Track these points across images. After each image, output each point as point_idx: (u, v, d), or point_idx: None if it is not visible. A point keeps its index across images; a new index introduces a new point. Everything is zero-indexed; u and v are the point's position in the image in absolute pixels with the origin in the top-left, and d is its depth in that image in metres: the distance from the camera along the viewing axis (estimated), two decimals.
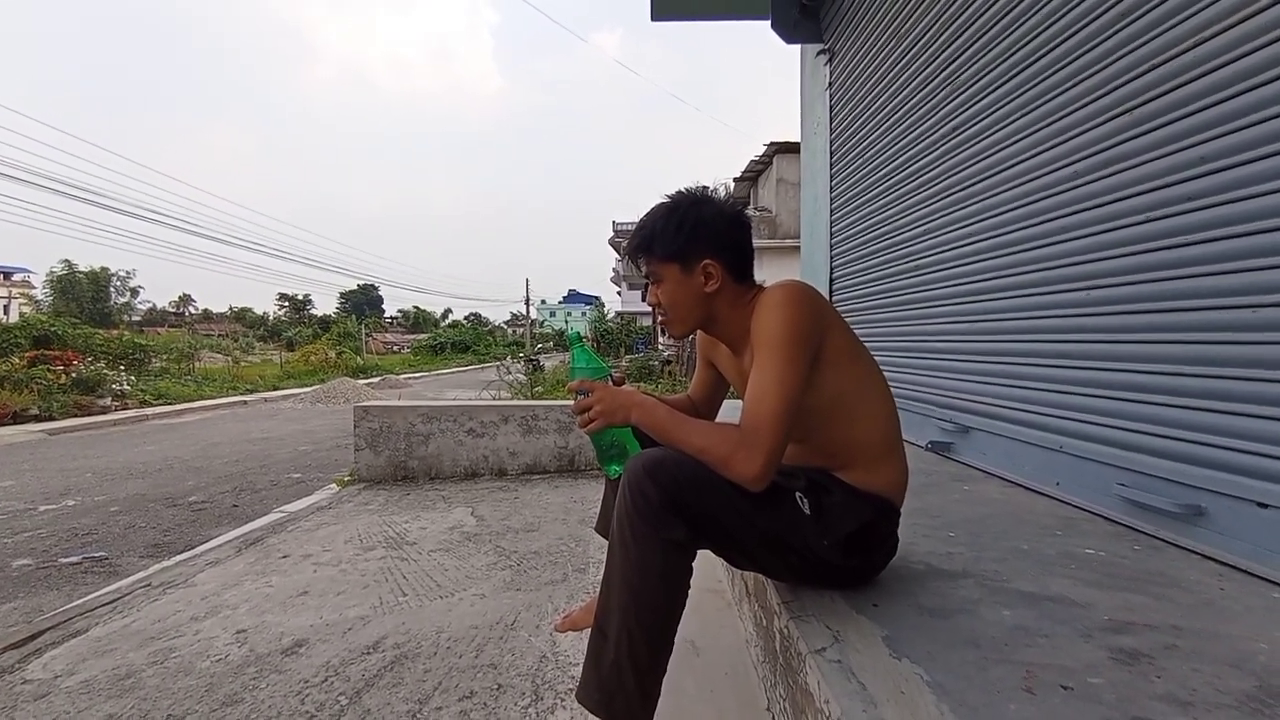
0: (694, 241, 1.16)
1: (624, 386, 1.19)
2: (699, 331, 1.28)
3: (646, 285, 1.26)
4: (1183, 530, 1.49)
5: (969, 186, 2.44)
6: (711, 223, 1.17)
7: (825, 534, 1.09)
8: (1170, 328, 1.55)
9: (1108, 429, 1.75)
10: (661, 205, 1.21)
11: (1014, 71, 2.12)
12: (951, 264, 2.61)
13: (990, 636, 1.02)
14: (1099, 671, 0.91)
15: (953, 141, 2.56)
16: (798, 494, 1.10)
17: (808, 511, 1.09)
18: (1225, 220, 1.39)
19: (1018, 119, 2.11)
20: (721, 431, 1.05)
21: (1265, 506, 1.31)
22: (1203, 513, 1.45)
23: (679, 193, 1.22)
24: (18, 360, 9.68)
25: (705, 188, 1.23)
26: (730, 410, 1.18)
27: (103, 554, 2.88)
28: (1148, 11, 1.58)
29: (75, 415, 8.28)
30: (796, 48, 4.68)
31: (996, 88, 2.23)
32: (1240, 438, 1.37)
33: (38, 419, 7.86)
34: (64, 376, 9.26)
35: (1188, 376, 1.50)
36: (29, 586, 2.48)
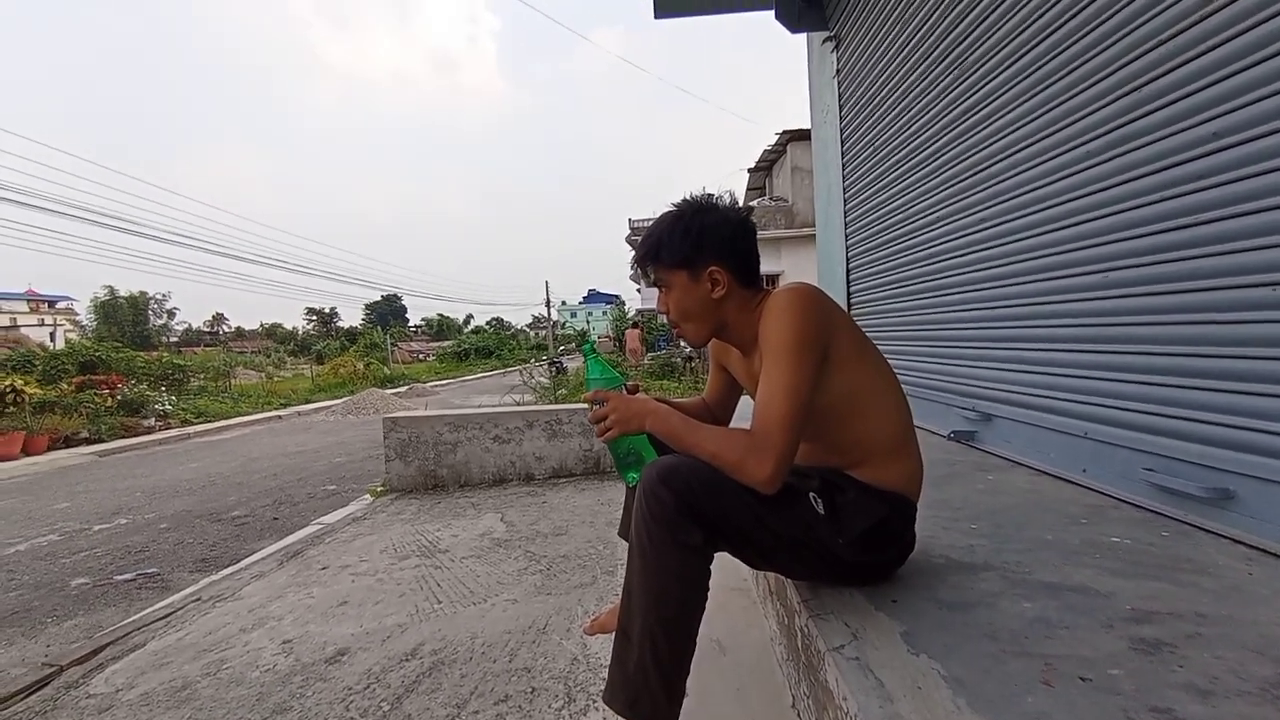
0: (700, 249, 1.18)
1: (638, 394, 1.22)
2: None
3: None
4: (1211, 514, 1.47)
5: (981, 170, 2.42)
6: (716, 229, 1.19)
7: (841, 532, 1.11)
8: (1190, 308, 1.53)
9: (1133, 413, 1.73)
10: (668, 214, 1.24)
11: (1021, 52, 2.09)
12: (966, 250, 2.58)
13: (1009, 629, 1.03)
14: (1119, 662, 0.91)
15: (963, 125, 2.53)
16: (811, 494, 1.12)
17: (822, 511, 1.11)
18: (1239, 198, 1.36)
19: (1027, 100, 2.08)
20: (733, 437, 1.07)
21: None
22: (1231, 496, 1.43)
23: (684, 200, 1.25)
24: (66, 386, 10.09)
25: (710, 195, 1.26)
26: (747, 408, 1.20)
27: (155, 570, 3.01)
28: None
29: (122, 436, 8.60)
30: (802, 36, 4.64)
31: (1004, 69, 2.20)
32: (1266, 418, 1.35)
33: (88, 441, 8.19)
34: (110, 399, 9.62)
35: (1210, 358, 1.48)
36: (87, 604, 2.62)
